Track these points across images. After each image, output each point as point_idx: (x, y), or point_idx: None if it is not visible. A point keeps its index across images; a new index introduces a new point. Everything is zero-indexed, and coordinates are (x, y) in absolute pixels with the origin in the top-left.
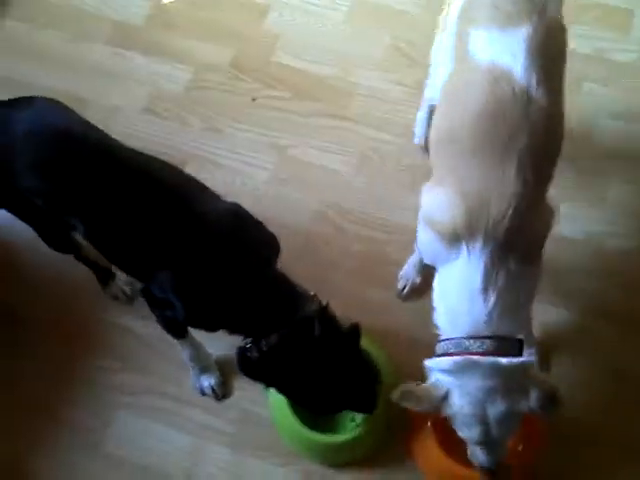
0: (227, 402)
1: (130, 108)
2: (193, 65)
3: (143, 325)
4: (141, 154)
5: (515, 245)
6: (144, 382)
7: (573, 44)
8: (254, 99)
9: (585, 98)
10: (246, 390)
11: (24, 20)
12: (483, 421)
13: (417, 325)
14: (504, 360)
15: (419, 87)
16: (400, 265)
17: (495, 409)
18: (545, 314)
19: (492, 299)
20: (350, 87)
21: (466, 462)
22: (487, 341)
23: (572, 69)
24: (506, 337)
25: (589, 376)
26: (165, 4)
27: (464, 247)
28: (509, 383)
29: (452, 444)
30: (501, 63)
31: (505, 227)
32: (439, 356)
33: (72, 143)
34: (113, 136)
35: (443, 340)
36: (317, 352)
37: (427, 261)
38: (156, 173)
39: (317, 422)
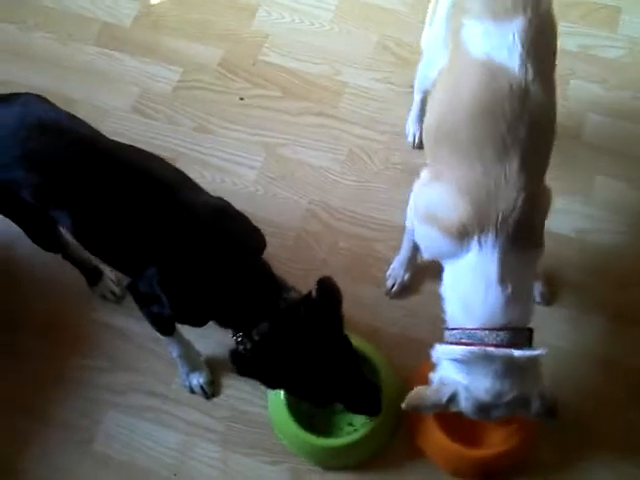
0: (216, 400)
1: (119, 108)
2: (182, 65)
3: (132, 324)
4: (129, 147)
5: (524, 233)
6: (133, 381)
7: (560, 41)
8: (242, 98)
9: (572, 94)
10: (236, 389)
11: (13, 21)
12: (484, 418)
13: (408, 322)
14: (517, 353)
15: (407, 85)
16: (389, 262)
17: (497, 413)
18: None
19: (509, 289)
20: (338, 86)
21: (472, 443)
22: (502, 333)
23: (559, 66)
24: (518, 327)
25: (578, 367)
26: (154, 5)
27: (475, 241)
28: (516, 385)
29: (455, 426)
30: (497, 57)
31: (515, 219)
32: (450, 344)
33: (60, 135)
34: None
35: (454, 329)
36: (308, 335)
37: (429, 257)
38: (144, 166)
39: (315, 425)
